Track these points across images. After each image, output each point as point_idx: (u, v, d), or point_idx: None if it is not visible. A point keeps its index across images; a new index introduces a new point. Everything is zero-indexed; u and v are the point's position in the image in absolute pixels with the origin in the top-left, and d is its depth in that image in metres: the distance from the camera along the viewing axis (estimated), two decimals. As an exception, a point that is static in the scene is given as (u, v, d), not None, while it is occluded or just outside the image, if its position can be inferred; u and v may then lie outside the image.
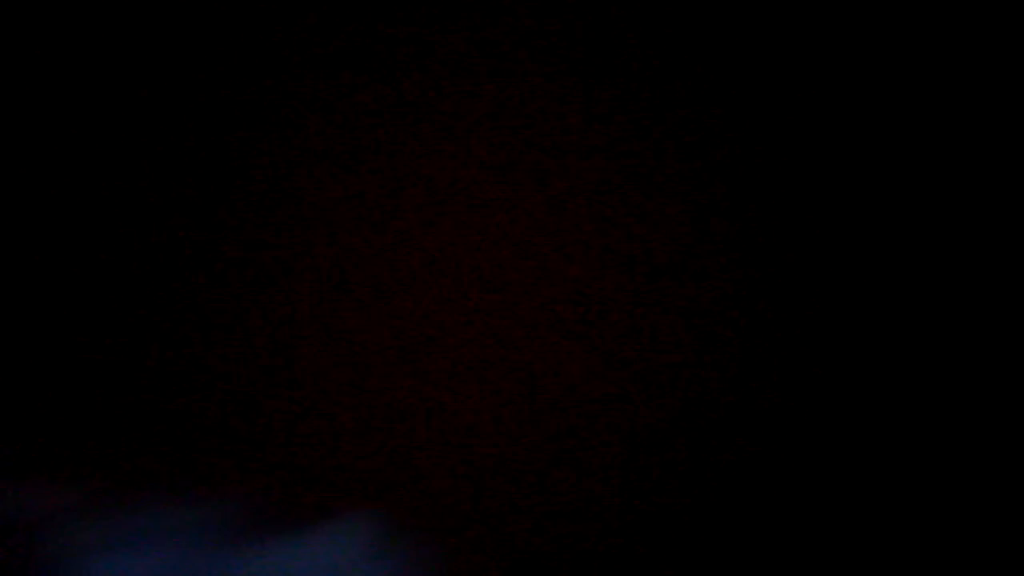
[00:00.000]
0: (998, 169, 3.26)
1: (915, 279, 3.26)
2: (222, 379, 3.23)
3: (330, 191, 3.27)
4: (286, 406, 3.23)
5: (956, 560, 3.21)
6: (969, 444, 3.22)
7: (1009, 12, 3.26)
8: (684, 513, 3.22)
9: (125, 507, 3.22)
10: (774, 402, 3.24)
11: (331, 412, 3.23)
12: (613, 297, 3.25)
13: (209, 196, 3.26)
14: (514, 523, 3.22)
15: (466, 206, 3.27)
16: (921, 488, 3.23)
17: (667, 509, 3.22)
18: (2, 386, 3.23)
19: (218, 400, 3.23)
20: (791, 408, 3.24)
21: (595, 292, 3.26)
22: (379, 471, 3.23)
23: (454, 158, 3.28)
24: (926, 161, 3.28)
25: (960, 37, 3.28)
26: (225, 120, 3.28)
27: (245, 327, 3.24)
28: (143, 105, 3.28)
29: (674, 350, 3.24)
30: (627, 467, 3.23)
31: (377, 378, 3.24)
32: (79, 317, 3.24)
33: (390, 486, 3.22)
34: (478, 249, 3.26)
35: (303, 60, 3.28)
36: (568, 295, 3.26)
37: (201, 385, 3.23)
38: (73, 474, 3.23)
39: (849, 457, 3.23)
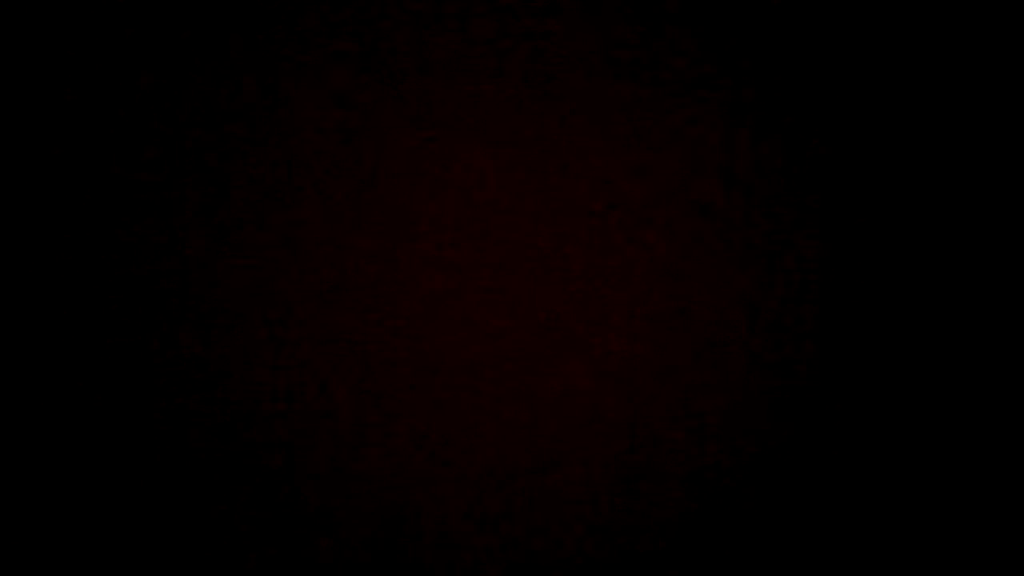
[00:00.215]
0: (998, 169, 3.26)
1: (916, 279, 3.25)
2: (222, 379, 3.23)
3: (330, 191, 3.26)
4: (287, 407, 3.23)
5: (956, 560, 3.21)
6: (969, 444, 3.22)
7: (1008, 12, 3.26)
8: (684, 513, 3.22)
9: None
10: (774, 402, 3.24)
11: (331, 412, 3.23)
12: (613, 297, 3.25)
13: (209, 196, 3.25)
14: (514, 523, 3.22)
15: (466, 206, 3.27)
16: (921, 488, 3.23)
17: (667, 509, 3.22)
18: (2, 386, 3.23)
19: (218, 401, 3.23)
20: (791, 408, 3.24)
21: (595, 292, 3.26)
22: (379, 471, 3.23)
23: (454, 158, 3.28)
24: (926, 161, 3.27)
25: (959, 36, 3.28)
26: (225, 120, 3.27)
27: (245, 327, 3.24)
28: (143, 105, 3.27)
29: (674, 350, 3.24)
30: (627, 467, 3.22)
31: (377, 378, 3.24)
32: (79, 317, 3.23)
33: (390, 486, 3.22)
34: (478, 249, 3.26)
35: (303, 59, 3.28)
36: (568, 294, 3.26)
37: (201, 385, 3.22)
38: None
39: (849, 457, 3.23)
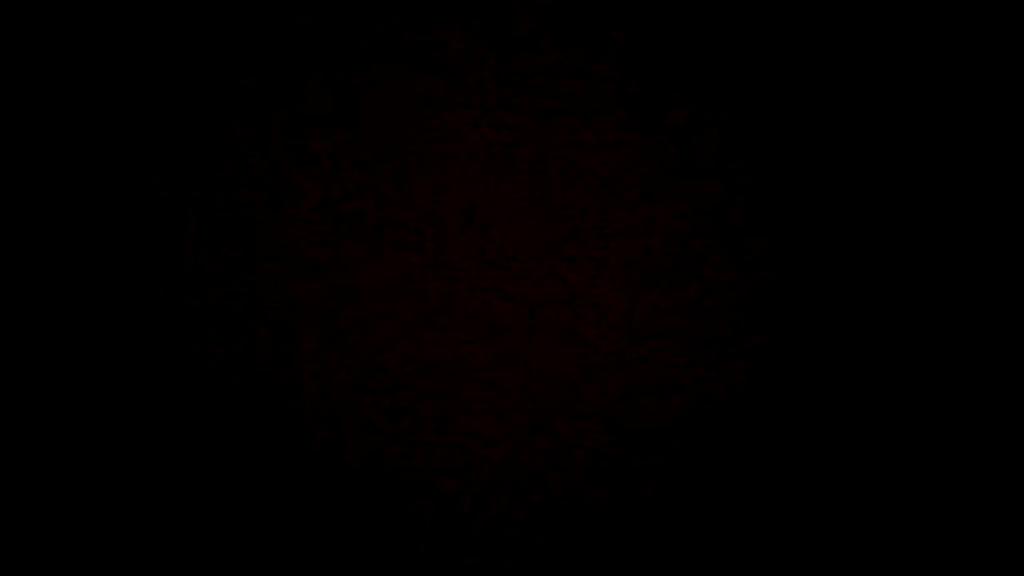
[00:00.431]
0: (998, 169, 3.27)
1: (915, 279, 3.26)
2: (222, 379, 3.23)
3: (330, 191, 3.26)
4: (287, 406, 3.23)
5: (956, 560, 3.22)
6: (969, 444, 3.23)
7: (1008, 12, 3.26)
8: (683, 513, 3.23)
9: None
10: (774, 402, 3.25)
11: (332, 412, 3.24)
12: (613, 297, 3.26)
13: (209, 195, 3.25)
14: (514, 523, 3.23)
15: (465, 205, 3.27)
16: (921, 488, 3.24)
17: (666, 509, 3.23)
18: (2, 386, 3.23)
19: (218, 400, 3.23)
20: (791, 408, 3.25)
21: (595, 291, 3.26)
22: (379, 471, 3.23)
23: (454, 157, 3.28)
24: (925, 161, 3.28)
25: (958, 35, 3.28)
26: (225, 119, 3.27)
27: (245, 327, 3.24)
28: (143, 105, 3.27)
29: (673, 350, 3.24)
30: (626, 467, 3.23)
31: (377, 377, 3.24)
32: (79, 317, 3.23)
33: (391, 486, 3.23)
34: (477, 249, 3.26)
35: (303, 60, 3.27)
36: (566, 294, 3.26)
37: (201, 385, 3.23)
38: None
39: (849, 457, 3.24)
